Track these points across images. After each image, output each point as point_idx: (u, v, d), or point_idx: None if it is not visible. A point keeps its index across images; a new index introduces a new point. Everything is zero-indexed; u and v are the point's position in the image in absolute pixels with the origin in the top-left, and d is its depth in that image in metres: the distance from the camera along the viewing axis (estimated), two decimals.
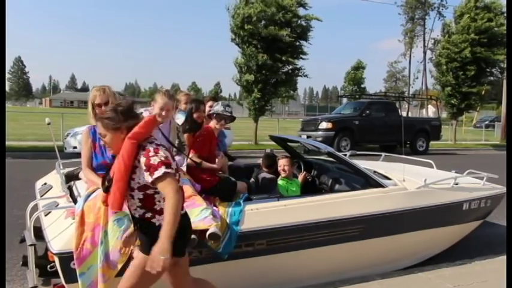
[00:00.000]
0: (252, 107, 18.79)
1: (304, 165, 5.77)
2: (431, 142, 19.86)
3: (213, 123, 4.25)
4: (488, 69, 23.04)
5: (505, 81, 24.83)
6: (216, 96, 5.64)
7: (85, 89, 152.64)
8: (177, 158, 3.97)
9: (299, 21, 17.92)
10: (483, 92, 23.32)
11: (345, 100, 29.15)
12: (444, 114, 29.69)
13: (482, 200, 4.97)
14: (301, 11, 18.12)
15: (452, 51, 22.26)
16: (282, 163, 4.88)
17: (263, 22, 17.59)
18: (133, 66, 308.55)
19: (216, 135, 4.30)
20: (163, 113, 3.77)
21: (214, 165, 4.17)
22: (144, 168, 2.45)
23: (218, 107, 4.26)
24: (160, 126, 3.87)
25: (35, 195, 4.31)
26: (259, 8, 17.10)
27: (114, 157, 3.45)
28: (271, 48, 17.43)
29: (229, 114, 4.24)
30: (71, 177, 4.39)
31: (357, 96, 23.81)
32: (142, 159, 2.46)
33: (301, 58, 18.65)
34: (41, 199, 3.85)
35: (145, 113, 3.89)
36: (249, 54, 17.64)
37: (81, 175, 4.30)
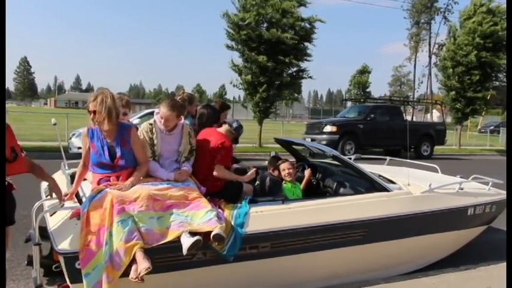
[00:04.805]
0: (256, 109, 18.81)
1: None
2: (436, 147, 19.82)
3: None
4: (493, 74, 22.99)
5: None
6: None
7: (90, 90, 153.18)
8: (186, 163, 3.95)
9: (302, 24, 17.90)
10: (488, 97, 23.24)
11: (349, 104, 29.11)
12: (449, 119, 29.61)
13: (487, 206, 4.95)
14: (303, 12, 18.12)
15: (458, 54, 22.21)
16: (285, 167, 4.85)
17: (265, 25, 17.61)
18: (138, 68, 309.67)
19: None
20: (163, 122, 3.80)
21: (243, 177, 4.25)
22: None
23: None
24: (172, 132, 3.88)
25: (40, 195, 4.32)
26: (255, 12, 17.11)
27: (112, 158, 3.48)
28: (274, 50, 17.42)
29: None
30: None
31: (362, 100, 23.76)
32: None
33: (306, 60, 18.65)
34: (47, 199, 3.86)
35: (156, 116, 3.89)
36: (247, 56, 17.70)
37: (86, 176, 4.32)
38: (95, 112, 3.49)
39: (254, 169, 4.47)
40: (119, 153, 3.57)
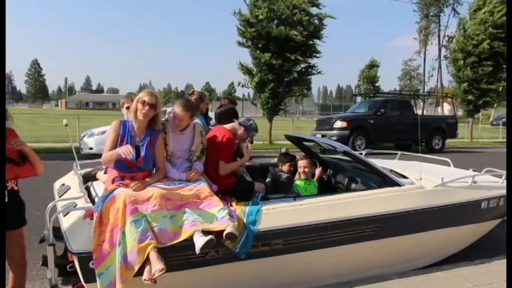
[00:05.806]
0: (265, 107, 18.79)
1: (320, 165, 5.74)
2: (448, 140, 19.67)
3: (240, 132, 4.34)
4: (504, 65, 22.74)
5: None
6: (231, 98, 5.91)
7: (100, 90, 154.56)
8: (197, 163, 3.96)
9: (312, 20, 17.77)
10: (500, 89, 22.99)
11: (359, 99, 28.95)
12: (460, 112, 29.38)
13: (501, 199, 4.89)
14: (314, 10, 17.94)
15: (469, 45, 22.00)
16: (303, 164, 4.84)
17: (275, 21, 17.54)
18: (148, 67, 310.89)
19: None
20: (176, 122, 3.82)
21: (240, 162, 4.36)
22: None
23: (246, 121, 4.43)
24: (184, 131, 3.89)
25: (53, 196, 4.35)
26: (266, 9, 17.05)
27: (136, 156, 3.49)
28: (283, 48, 17.31)
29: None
30: (88, 178, 4.44)
31: (372, 95, 23.62)
32: None
33: (315, 57, 18.51)
34: (60, 200, 3.89)
35: (168, 115, 3.90)
36: (253, 54, 17.71)
37: (98, 176, 4.35)
38: (149, 105, 3.52)
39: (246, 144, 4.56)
40: (142, 154, 3.58)
